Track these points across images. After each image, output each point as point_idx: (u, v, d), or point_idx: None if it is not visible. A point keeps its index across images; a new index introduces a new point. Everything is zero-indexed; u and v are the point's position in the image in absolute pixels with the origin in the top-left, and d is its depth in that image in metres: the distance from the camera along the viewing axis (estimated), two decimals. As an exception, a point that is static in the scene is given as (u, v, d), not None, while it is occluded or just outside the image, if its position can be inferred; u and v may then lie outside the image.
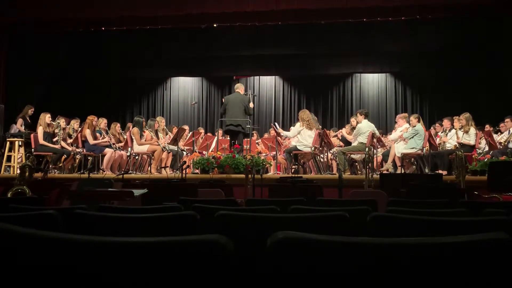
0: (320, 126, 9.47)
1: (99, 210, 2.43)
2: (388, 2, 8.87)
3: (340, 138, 9.90)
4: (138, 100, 14.17)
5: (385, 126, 12.42)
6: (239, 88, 8.76)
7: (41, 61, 10.99)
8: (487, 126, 8.85)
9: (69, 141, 9.11)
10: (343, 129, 10.03)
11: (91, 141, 8.58)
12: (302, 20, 10.05)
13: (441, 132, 9.10)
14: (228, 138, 8.74)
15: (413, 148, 8.21)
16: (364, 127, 8.55)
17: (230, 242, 0.99)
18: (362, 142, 8.41)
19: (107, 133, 9.41)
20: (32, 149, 8.46)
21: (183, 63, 13.34)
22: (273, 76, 13.95)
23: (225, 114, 8.55)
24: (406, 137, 8.29)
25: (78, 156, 8.92)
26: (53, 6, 9.44)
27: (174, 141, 8.65)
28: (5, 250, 1.02)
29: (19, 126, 9.16)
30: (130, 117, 12.74)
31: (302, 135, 8.50)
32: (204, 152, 9.06)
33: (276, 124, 9.42)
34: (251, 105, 8.82)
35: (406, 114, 9.49)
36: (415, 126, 8.36)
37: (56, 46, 11.47)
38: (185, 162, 8.12)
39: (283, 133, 9.22)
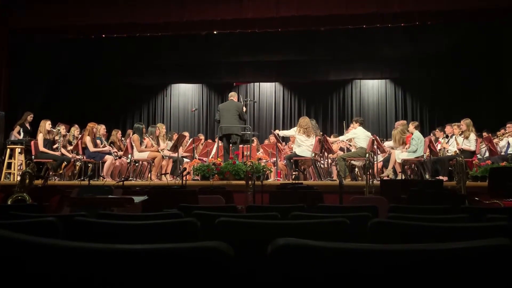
0: (321, 133, 9.47)
1: (99, 217, 2.43)
2: (387, 9, 8.89)
3: (340, 148, 9.90)
4: (138, 106, 14.18)
5: (385, 132, 12.42)
6: (233, 96, 8.85)
7: (41, 68, 11.02)
8: (484, 133, 8.83)
9: (70, 148, 9.11)
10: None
11: (91, 148, 8.58)
12: (302, 27, 10.08)
13: (442, 138, 9.12)
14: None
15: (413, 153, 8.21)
16: (359, 132, 8.61)
17: (230, 248, 0.99)
18: (362, 147, 8.41)
19: (107, 139, 9.42)
20: (33, 156, 8.45)
21: (183, 70, 13.36)
22: (273, 83, 13.97)
23: (220, 121, 8.60)
24: (411, 151, 8.24)
25: (78, 163, 8.91)
26: (53, 14, 9.47)
27: (175, 148, 8.66)
28: (5, 257, 1.02)
29: (15, 133, 9.14)
30: (130, 124, 12.74)
31: (299, 141, 8.52)
32: (204, 158, 9.07)
33: (276, 132, 9.46)
34: (244, 109, 8.93)
35: (404, 122, 9.50)
36: (413, 133, 8.39)
37: (57, 53, 11.49)
38: (185, 168, 8.11)
39: (282, 132, 9.48)
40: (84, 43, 11.23)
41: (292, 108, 13.89)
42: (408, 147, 8.35)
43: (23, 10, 9.56)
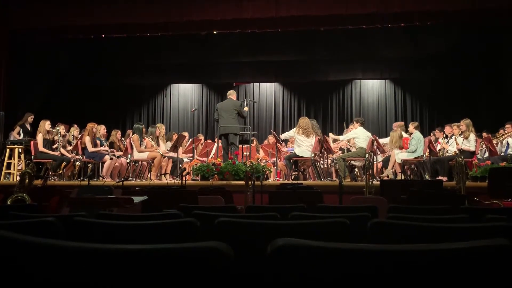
0: (323, 134, 9.46)
1: (99, 217, 2.43)
2: (387, 9, 8.88)
3: (340, 148, 9.89)
4: (138, 106, 14.18)
5: (385, 133, 12.43)
6: (232, 94, 8.82)
7: (41, 68, 11.02)
8: (484, 133, 8.83)
9: (69, 148, 9.11)
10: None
11: (89, 148, 8.57)
12: (302, 27, 10.08)
13: (442, 139, 9.13)
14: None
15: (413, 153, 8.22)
16: (360, 133, 8.61)
17: (230, 249, 0.99)
18: (361, 147, 8.42)
19: (107, 139, 9.41)
20: (32, 156, 8.45)
21: (183, 70, 13.36)
22: (273, 83, 13.98)
23: (219, 121, 8.59)
24: (410, 151, 8.24)
25: (78, 163, 8.91)
26: (53, 14, 9.47)
27: (174, 148, 8.66)
28: (5, 258, 1.02)
29: (15, 134, 9.13)
30: (130, 124, 12.74)
31: (298, 141, 8.52)
32: (203, 158, 9.07)
33: (274, 132, 9.47)
34: (246, 108, 8.91)
35: (402, 123, 9.50)
36: (412, 133, 8.40)
37: (57, 53, 11.50)
38: (185, 169, 8.12)
39: (283, 135, 9.43)
40: (84, 43, 11.22)
41: (291, 108, 13.89)
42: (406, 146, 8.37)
43: (23, 10, 9.55)
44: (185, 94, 14.28)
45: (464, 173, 5.93)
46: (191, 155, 9.46)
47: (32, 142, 8.58)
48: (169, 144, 9.37)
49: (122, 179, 7.30)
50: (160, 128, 9.43)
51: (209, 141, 10.29)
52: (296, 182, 7.35)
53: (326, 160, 9.09)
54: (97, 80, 13.21)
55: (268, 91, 14.08)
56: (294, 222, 2.31)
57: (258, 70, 13.15)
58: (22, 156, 8.73)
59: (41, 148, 8.49)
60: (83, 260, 1.00)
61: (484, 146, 8.57)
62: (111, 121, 11.87)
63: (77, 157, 8.87)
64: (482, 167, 7.62)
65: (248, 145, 8.85)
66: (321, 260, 0.99)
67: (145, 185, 7.21)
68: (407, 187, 5.31)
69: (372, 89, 13.60)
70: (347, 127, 10.18)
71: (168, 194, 5.30)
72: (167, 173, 8.29)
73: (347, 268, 0.99)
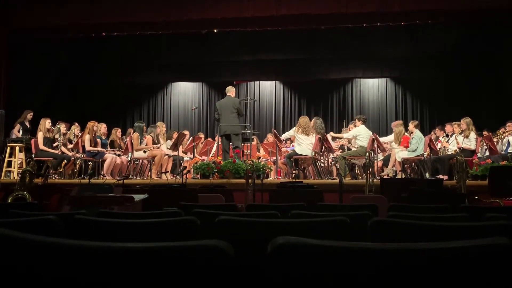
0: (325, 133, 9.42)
1: (99, 216, 2.43)
2: (388, 8, 8.88)
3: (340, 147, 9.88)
4: (138, 105, 14.18)
5: (385, 131, 12.43)
6: (230, 91, 8.74)
7: (41, 68, 11.01)
8: (485, 132, 8.83)
9: (70, 146, 9.11)
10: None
11: (87, 147, 8.57)
12: (302, 26, 10.07)
13: (442, 137, 9.13)
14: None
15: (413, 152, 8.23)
16: (363, 131, 8.61)
17: (230, 247, 0.99)
18: (362, 146, 8.42)
19: (107, 138, 9.42)
20: (33, 155, 8.46)
21: (183, 68, 13.36)
22: (274, 81, 13.97)
23: (219, 120, 8.57)
24: (411, 150, 8.25)
25: (78, 162, 8.92)
26: (53, 14, 9.47)
27: (175, 146, 8.66)
28: (5, 256, 1.02)
29: (15, 131, 9.14)
30: (130, 123, 12.73)
31: (298, 139, 8.53)
32: (203, 157, 9.07)
33: (275, 131, 9.48)
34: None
35: (400, 122, 9.49)
36: (412, 132, 8.41)
37: (57, 53, 11.49)
38: (185, 167, 8.12)
39: (284, 135, 9.49)
40: (84, 42, 11.21)
41: (292, 106, 13.90)
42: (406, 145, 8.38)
43: (23, 10, 9.55)
44: (185, 93, 14.28)
45: (464, 171, 5.92)
46: (191, 154, 9.46)
47: (32, 140, 8.58)
48: (170, 142, 9.37)
49: (123, 177, 7.30)
50: (161, 127, 9.43)
51: (209, 139, 10.29)
52: (297, 180, 7.35)
53: (326, 159, 9.09)
54: (97, 79, 13.20)
55: (268, 89, 14.07)
56: (294, 221, 2.31)
57: (258, 68, 13.14)
58: (22, 154, 8.74)
59: (41, 146, 8.49)
60: (84, 258, 1.00)
61: (484, 144, 8.56)
62: (112, 120, 11.84)
63: (78, 155, 8.87)
64: (483, 165, 7.62)
65: (248, 144, 8.85)
66: (321, 259, 1.00)
67: (145, 183, 7.21)
68: (408, 186, 5.32)
69: (372, 87, 13.60)
70: (346, 126, 10.17)
71: (169, 193, 5.31)
72: (168, 172, 8.30)
73: (347, 267, 0.99)
